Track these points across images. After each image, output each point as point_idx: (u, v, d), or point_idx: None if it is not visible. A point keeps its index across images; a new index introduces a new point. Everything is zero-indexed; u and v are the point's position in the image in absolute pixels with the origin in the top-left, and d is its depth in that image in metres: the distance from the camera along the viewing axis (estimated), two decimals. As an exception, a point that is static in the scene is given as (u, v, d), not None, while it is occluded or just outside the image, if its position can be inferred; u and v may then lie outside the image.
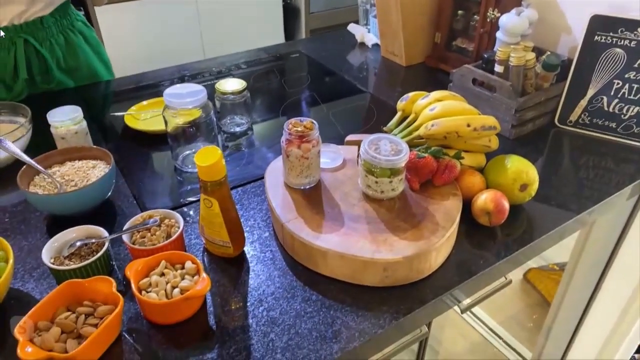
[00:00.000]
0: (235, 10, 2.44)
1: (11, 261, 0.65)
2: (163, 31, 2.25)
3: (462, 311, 0.77)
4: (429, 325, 0.78)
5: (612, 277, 1.24)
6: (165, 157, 0.97)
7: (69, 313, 0.60)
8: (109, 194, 0.83)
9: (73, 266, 0.65)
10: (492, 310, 1.55)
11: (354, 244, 0.68)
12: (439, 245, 0.69)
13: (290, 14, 2.80)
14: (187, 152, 0.94)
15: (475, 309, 1.54)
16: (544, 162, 0.98)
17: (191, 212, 0.84)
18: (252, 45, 1.59)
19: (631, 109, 1.01)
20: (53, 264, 0.66)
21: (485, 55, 1.07)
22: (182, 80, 1.29)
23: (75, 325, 0.58)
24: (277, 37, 2.70)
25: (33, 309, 0.58)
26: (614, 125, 1.03)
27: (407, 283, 0.69)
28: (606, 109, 1.03)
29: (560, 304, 1.34)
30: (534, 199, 0.84)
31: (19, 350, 0.53)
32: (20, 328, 0.56)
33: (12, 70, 1.15)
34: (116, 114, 1.07)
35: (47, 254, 0.67)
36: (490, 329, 1.50)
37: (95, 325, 0.58)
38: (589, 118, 1.05)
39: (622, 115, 1.02)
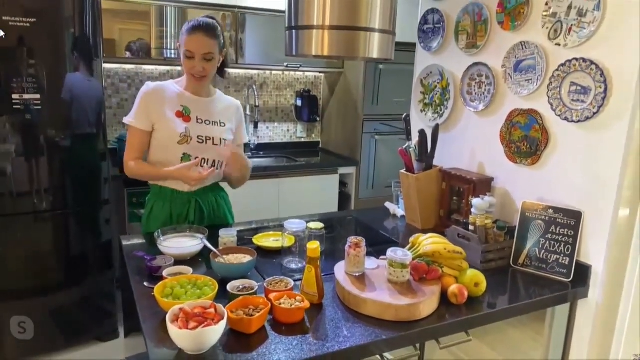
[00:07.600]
0: (304, 193, 3.41)
1: (214, 292, 1.35)
2: (252, 199, 3.21)
3: (441, 348, 1.36)
4: (422, 349, 1.36)
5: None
6: (276, 260, 1.70)
7: (244, 309, 1.27)
8: (250, 271, 1.55)
9: (241, 294, 1.34)
10: None
11: (380, 297, 1.35)
12: (423, 301, 1.34)
13: (343, 198, 3.74)
14: (290, 258, 1.66)
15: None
16: (503, 286, 1.63)
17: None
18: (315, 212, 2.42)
19: (553, 256, 1.68)
20: (232, 292, 1.36)
21: (464, 221, 1.82)
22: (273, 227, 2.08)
23: (249, 312, 1.25)
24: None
25: (230, 303, 1.26)
26: (544, 266, 1.69)
27: (407, 321, 1.32)
28: (539, 256, 1.70)
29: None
30: (490, 301, 1.48)
31: (228, 313, 1.21)
32: (228, 307, 1.24)
33: (184, 216, 1.97)
34: (248, 237, 1.85)
35: (229, 288, 1.37)
36: None
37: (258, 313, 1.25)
38: (530, 262, 1.72)
39: (549, 261, 1.68)
